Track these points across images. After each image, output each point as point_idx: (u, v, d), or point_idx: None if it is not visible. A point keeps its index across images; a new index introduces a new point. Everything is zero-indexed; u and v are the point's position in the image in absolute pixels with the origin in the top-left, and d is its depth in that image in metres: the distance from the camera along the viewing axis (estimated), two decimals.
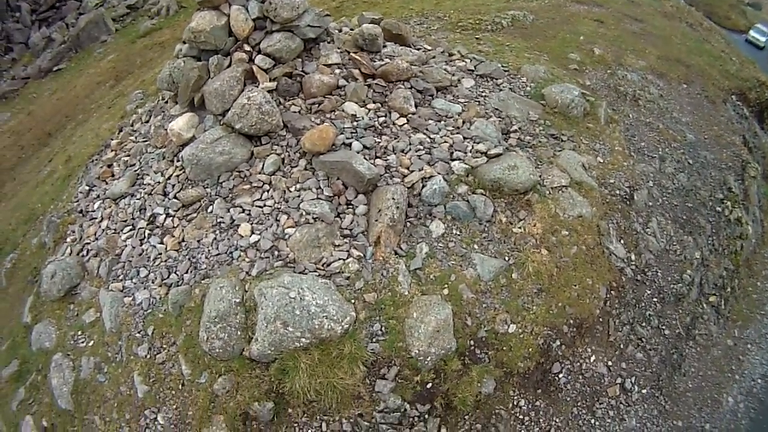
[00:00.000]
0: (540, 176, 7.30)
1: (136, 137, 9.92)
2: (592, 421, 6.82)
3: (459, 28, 13.32)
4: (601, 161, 8.18)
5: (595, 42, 12.64)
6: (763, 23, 43.68)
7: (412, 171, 7.19)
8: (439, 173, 7.14)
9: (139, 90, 20.10)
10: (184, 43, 8.97)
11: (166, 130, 8.57)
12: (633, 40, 13.80)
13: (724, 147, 10.82)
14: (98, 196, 9.17)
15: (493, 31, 12.81)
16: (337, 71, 8.50)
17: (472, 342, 6.30)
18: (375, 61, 8.90)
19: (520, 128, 8.15)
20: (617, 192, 7.85)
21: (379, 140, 7.57)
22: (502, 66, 9.98)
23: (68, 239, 8.77)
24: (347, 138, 7.49)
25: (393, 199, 6.72)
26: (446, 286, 6.43)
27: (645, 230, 7.72)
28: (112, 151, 10.11)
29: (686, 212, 8.50)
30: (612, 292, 7.16)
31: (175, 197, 7.87)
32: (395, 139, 7.62)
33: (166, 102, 9.68)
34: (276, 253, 6.67)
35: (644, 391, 7.22)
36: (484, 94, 8.95)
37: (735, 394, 8.09)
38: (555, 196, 7.12)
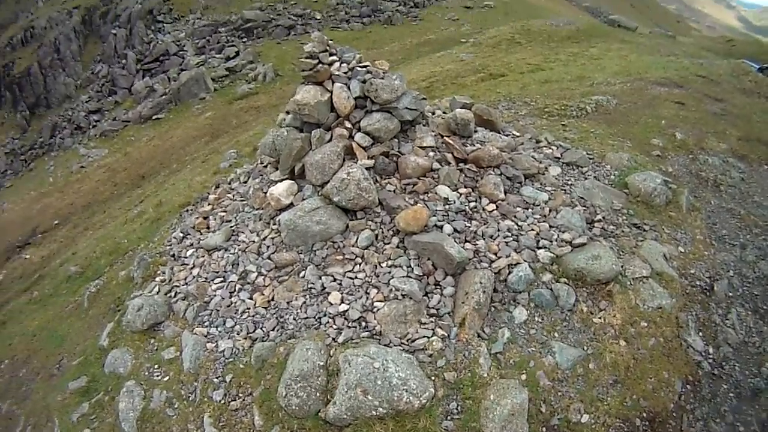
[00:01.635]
0: (622, 266, 7.36)
1: (233, 195, 10.52)
2: None
3: (545, 113, 13.60)
4: (683, 251, 8.15)
5: (676, 125, 12.61)
6: None
7: (499, 257, 7.43)
8: (525, 261, 7.35)
9: (234, 149, 21.24)
10: (288, 113, 9.56)
11: (265, 193, 9.10)
12: (714, 121, 13.66)
13: None
14: (192, 245, 9.76)
15: (578, 117, 13.02)
16: (431, 154, 8.88)
17: (544, 429, 6.31)
18: (467, 146, 9.24)
19: (603, 218, 8.27)
20: (697, 283, 7.77)
21: (470, 225, 7.86)
22: (587, 153, 10.20)
23: (158, 278, 9.35)
24: (439, 220, 7.82)
25: (480, 283, 6.96)
26: (525, 371, 6.53)
27: (724, 322, 7.52)
28: (209, 204, 10.74)
29: (767, 302, 8.19)
30: (688, 386, 7.01)
31: (269, 258, 8.33)
32: (485, 224, 7.90)
33: (266, 166, 10.24)
34: (363, 323, 6.99)
35: None
36: (569, 182, 9.16)
37: None
38: (636, 287, 7.14)
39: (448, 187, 8.37)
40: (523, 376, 6.47)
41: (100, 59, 59.23)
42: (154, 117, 47.90)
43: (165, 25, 62.93)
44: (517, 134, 10.82)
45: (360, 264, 7.72)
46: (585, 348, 6.78)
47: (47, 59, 57.35)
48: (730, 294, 7.93)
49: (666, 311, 7.07)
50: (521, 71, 22.63)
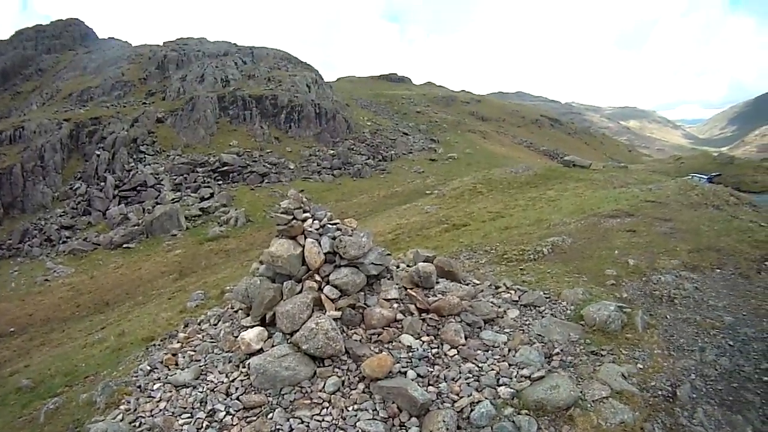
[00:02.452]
0: (581, 391, 8.44)
1: (203, 336, 11.45)
2: None
3: (504, 260, 15.24)
4: (641, 367, 9.26)
5: (629, 253, 14.20)
6: None
7: (461, 397, 8.43)
8: (486, 398, 8.33)
9: (201, 290, 22.59)
10: (261, 263, 10.78)
11: (235, 337, 10.11)
12: (664, 241, 15.27)
13: (763, 317, 11.45)
14: (159, 379, 10.34)
15: (535, 260, 14.65)
16: (396, 305, 10.21)
17: None
18: (429, 297, 10.62)
19: (561, 350, 9.49)
20: (659, 393, 8.75)
21: (432, 369, 8.97)
22: (544, 293, 11.66)
23: (122, 407, 9.74)
24: (403, 367, 8.89)
25: (443, 422, 7.88)
26: None
27: (691, 422, 8.34)
28: (178, 342, 11.62)
29: (732, 393, 9.01)
30: None
31: (237, 398, 9.04)
32: (447, 368, 9.02)
33: (237, 311, 11.29)
34: None
35: None
36: (527, 322, 10.53)
37: None
38: (597, 408, 8.17)
39: (412, 335, 9.52)
40: None
41: (80, 177, 62.86)
42: (124, 245, 49.85)
43: (147, 156, 67.15)
44: (477, 282, 12.19)
45: (327, 408, 8.43)
46: None
47: (31, 164, 60.69)
48: (694, 395, 8.87)
49: (629, 425, 8.01)
50: (483, 220, 24.87)
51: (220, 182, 64.39)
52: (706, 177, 54.21)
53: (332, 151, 77.34)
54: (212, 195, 60.12)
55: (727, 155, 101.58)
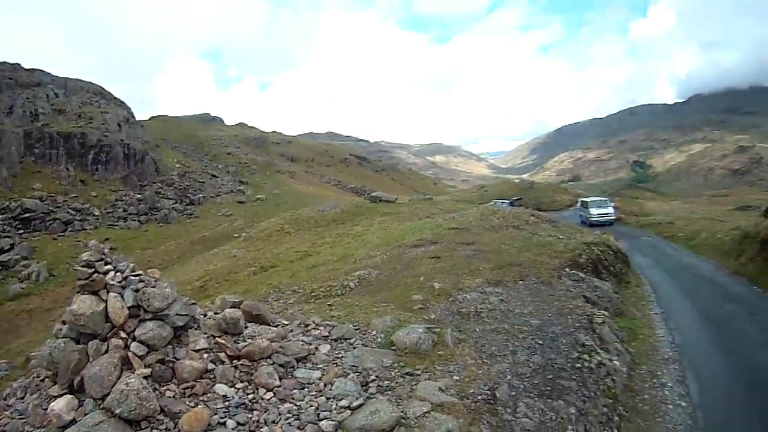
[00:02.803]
0: (402, 411, 8.12)
1: (11, 413, 9.65)
2: None
3: (312, 297, 14.91)
4: (458, 378, 9.18)
5: (434, 277, 14.58)
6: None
7: None
8: None
9: (4, 360, 19.66)
10: (64, 323, 9.45)
11: (45, 409, 8.64)
12: (467, 263, 15.98)
13: (567, 315, 12.36)
14: None
15: (343, 295, 14.48)
16: (206, 356, 9.37)
17: None
18: (239, 343, 9.95)
19: (377, 376, 9.23)
20: (479, 398, 8.68)
21: (251, 415, 8.26)
22: (354, 326, 11.44)
23: None
24: (221, 417, 8.14)
25: None
26: None
27: (515, 417, 8.39)
28: None
29: (549, 383, 9.38)
30: None
31: None
32: (265, 412, 8.36)
33: (43, 380, 9.71)
34: None
35: None
36: (340, 355, 10.20)
37: None
38: (420, 423, 7.86)
39: (226, 384, 8.81)
40: None
41: None
42: None
43: None
44: (287, 323, 11.78)
45: None
46: None
47: None
48: (513, 393, 8.98)
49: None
50: (291, 260, 24.58)
51: (21, 231, 56.51)
52: (508, 202, 59.98)
53: (139, 196, 72.12)
54: (12, 246, 52.45)
55: (528, 180, 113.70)
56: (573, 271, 16.29)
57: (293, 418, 8.23)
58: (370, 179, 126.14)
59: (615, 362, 11.07)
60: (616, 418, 9.53)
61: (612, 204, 47.60)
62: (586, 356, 10.50)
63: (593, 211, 44.38)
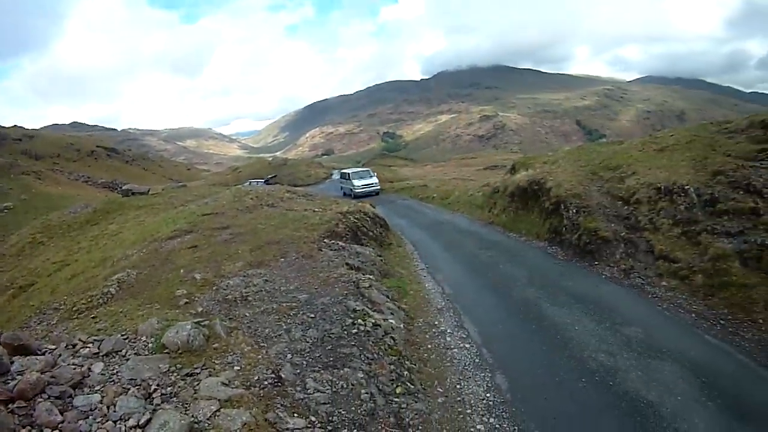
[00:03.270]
0: (192, 416, 7.40)
1: None
2: None
3: (75, 312, 12.79)
4: (239, 368, 8.55)
5: (194, 268, 13.54)
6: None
7: None
8: None
9: None
10: None
11: None
12: (225, 248, 15.18)
13: (333, 284, 12.43)
14: None
15: (105, 303, 12.66)
16: None
17: None
18: (9, 383, 8.19)
19: (158, 385, 8.16)
20: (265, 382, 8.23)
21: None
22: (122, 335, 9.91)
23: None
24: None
25: None
26: None
27: (307, 393, 8.19)
28: None
29: (331, 354, 9.34)
30: None
31: None
32: None
33: None
34: None
35: None
36: (115, 371, 8.76)
37: (479, 420, 8.83)
38: (214, 424, 7.19)
39: None
40: None
41: None
42: None
43: None
44: (53, 347, 10.01)
45: None
46: None
47: None
48: (298, 371, 8.73)
49: (251, 423, 7.43)
50: (48, 273, 21.42)
51: None
52: (262, 181, 59.30)
53: None
54: None
55: (282, 158, 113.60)
56: (332, 241, 16.57)
57: None
58: (121, 171, 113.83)
59: (390, 321, 11.44)
60: (406, 372, 9.80)
61: (374, 174, 47.39)
62: (360, 320, 10.69)
63: (357, 182, 44.09)
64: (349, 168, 56.81)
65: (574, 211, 17.62)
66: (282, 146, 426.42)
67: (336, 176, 52.51)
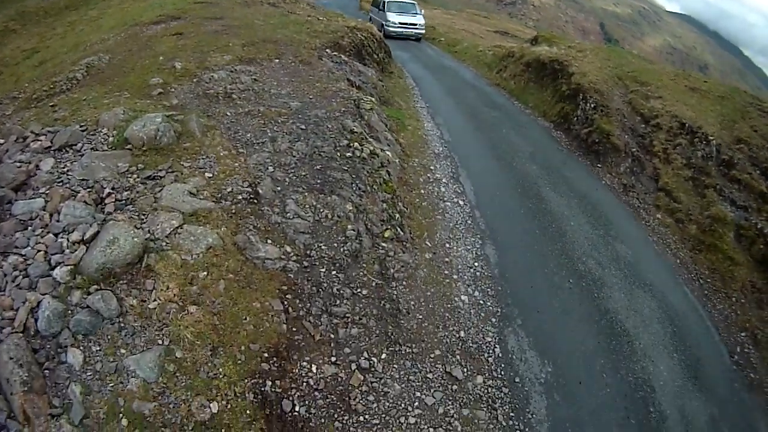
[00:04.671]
0: (149, 232, 6.09)
1: None
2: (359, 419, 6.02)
3: (34, 101, 11.14)
4: (210, 176, 7.14)
5: (176, 56, 11.64)
6: None
7: (17, 309, 5.37)
8: (45, 294, 5.44)
9: None
10: None
11: None
12: (214, 39, 13.17)
13: (331, 98, 10.80)
14: None
15: (69, 90, 10.89)
16: None
17: None
18: None
19: (113, 188, 6.71)
20: (239, 197, 6.95)
21: None
22: (80, 126, 8.26)
23: None
24: None
25: (11, 358, 4.96)
26: (122, 415, 4.89)
27: (285, 217, 7.00)
28: None
29: (319, 175, 8.07)
30: (287, 296, 6.40)
31: None
32: None
33: None
34: None
35: (383, 355, 6.59)
36: (66, 169, 7.21)
37: (464, 290, 8.18)
38: (173, 243, 5.95)
39: None
40: (124, 422, 4.81)
41: None
42: None
43: None
44: (2, 141, 8.50)
45: None
46: (161, 342, 5.36)
47: None
48: (279, 188, 7.44)
49: (218, 247, 6.14)
50: (16, 62, 19.51)
51: None
52: None
53: None
54: None
55: None
56: (335, 53, 14.55)
57: (21, 277, 5.49)
58: None
59: (388, 153, 10.09)
60: (397, 215, 8.78)
61: (421, 11, 32.79)
62: (356, 144, 9.29)
63: (393, 18, 30.34)
64: None
65: (592, 105, 16.01)
66: None
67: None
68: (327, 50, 14.46)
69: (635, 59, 22.82)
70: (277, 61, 12.40)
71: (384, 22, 30.08)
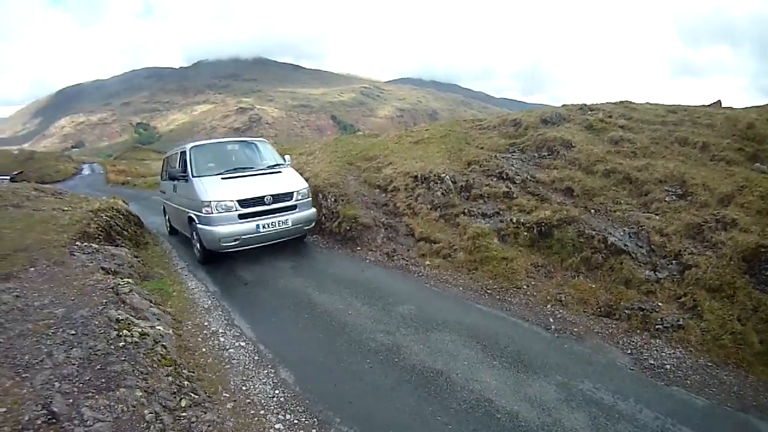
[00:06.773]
0: None
1: None
2: None
3: None
4: (5, 410, 7.30)
5: None
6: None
7: None
8: None
9: None
10: None
11: None
12: None
13: (91, 293, 11.23)
14: None
15: None
16: None
17: None
18: None
19: None
20: (38, 422, 7.25)
21: None
22: None
23: None
24: None
25: None
26: None
27: (87, 426, 7.43)
28: None
29: (102, 375, 8.45)
30: None
31: None
32: None
33: None
34: None
35: None
36: None
37: (275, 420, 8.92)
38: None
39: None
40: None
41: None
42: None
43: None
44: None
45: None
46: None
47: None
48: (71, 401, 7.86)
49: None
50: None
51: None
52: (8, 177, 49.98)
53: None
54: None
55: (28, 151, 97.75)
56: (85, 243, 14.91)
57: None
58: None
59: (158, 328, 10.70)
60: (186, 382, 9.22)
61: (286, 162, 17.10)
62: (125, 331, 9.78)
63: (216, 194, 14.00)
64: (184, 145, 16.97)
65: (333, 199, 17.92)
66: (32, 136, 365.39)
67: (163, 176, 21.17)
68: (77, 243, 14.76)
69: (360, 140, 25.26)
70: (33, 269, 12.45)
71: (194, 213, 14.91)
